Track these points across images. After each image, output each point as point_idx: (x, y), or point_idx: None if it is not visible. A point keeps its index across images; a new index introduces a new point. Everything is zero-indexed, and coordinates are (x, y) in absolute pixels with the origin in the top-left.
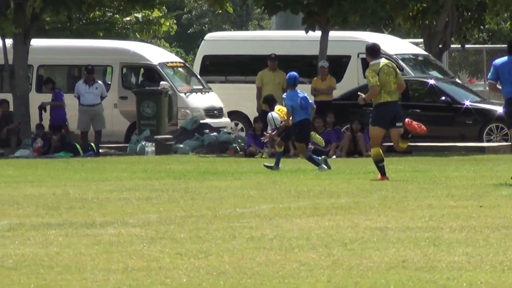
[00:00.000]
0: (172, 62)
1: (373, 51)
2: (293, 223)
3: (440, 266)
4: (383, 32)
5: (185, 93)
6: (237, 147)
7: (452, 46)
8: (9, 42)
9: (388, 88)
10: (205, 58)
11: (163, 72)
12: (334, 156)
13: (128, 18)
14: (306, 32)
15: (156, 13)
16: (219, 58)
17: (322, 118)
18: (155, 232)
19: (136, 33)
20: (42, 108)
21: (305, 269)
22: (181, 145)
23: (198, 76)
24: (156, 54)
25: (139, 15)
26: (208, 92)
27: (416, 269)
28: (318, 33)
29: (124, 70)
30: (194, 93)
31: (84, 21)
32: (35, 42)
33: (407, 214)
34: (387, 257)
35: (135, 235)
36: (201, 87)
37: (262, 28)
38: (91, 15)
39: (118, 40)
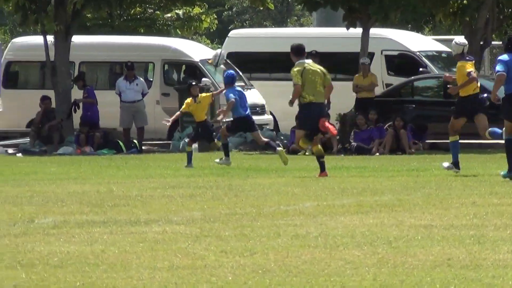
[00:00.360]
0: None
1: (298, 51)
2: (338, 221)
3: (485, 264)
4: (423, 29)
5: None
6: (280, 144)
7: (494, 42)
8: (50, 39)
9: (313, 89)
10: (229, 55)
11: (204, 69)
12: (377, 154)
13: (169, 15)
14: (347, 28)
15: (197, 10)
16: (243, 55)
17: (364, 115)
18: (199, 229)
19: (177, 30)
20: (75, 105)
21: (351, 267)
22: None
23: (240, 73)
24: (197, 51)
25: (180, 12)
26: (250, 89)
27: (461, 267)
28: (336, 30)
29: (166, 66)
30: None
31: (125, 18)
32: (77, 39)
33: (451, 212)
34: (432, 255)
35: (179, 233)
36: (243, 84)
37: (301, 25)
38: (132, 11)
39: (159, 36)
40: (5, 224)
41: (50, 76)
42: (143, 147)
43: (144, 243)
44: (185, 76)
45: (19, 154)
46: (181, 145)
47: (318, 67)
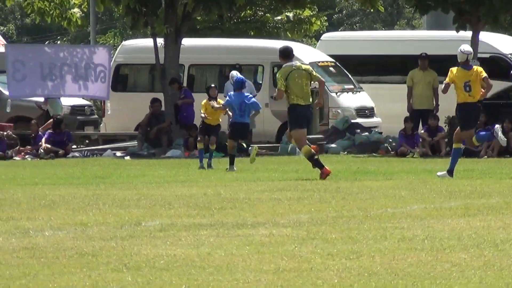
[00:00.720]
0: (323, 62)
1: (285, 53)
2: (445, 224)
3: None
4: None
5: (336, 93)
6: (388, 147)
7: None
8: (160, 41)
9: (300, 91)
10: (337, 57)
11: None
12: (485, 156)
13: (279, 17)
14: (457, 31)
15: (307, 12)
16: (336, 59)
17: None
18: (306, 232)
19: (287, 32)
20: (177, 107)
21: (457, 270)
22: (332, 145)
23: (349, 76)
24: (307, 54)
25: (290, 14)
26: (359, 91)
27: None
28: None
29: (275, 69)
30: (345, 93)
31: (235, 20)
32: (186, 42)
33: None
34: None
35: (286, 236)
36: (352, 86)
37: (413, 27)
38: (242, 14)
39: (269, 39)
40: (112, 227)
41: (160, 79)
42: None
43: (251, 246)
44: None
45: (127, 157)
46: (289, 148)
47: (304, 68)
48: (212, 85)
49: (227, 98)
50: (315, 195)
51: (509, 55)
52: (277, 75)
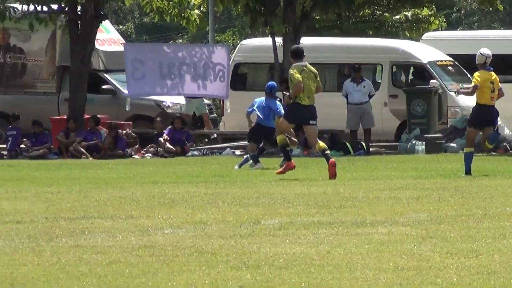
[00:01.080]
0: (442, 61)
1: (297, 53)
2: None
3: None
4: None
5: (455, 92)
6: (507, 146)
7: None
8: (279, 40)
9: (308, 92)
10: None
11: (432, 71)
12: None
13: (397, 17)
14: None
15: (425, 12)
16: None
17: None
18: (425, 231)
19: (406, 32)
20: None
21: None
22: (451, 144)
23: (468, 75)
24: (425, 53)
25: (409, 14)
26: None
27: None
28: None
29: (394, 68)
30: None
31: (353, 20)
32: (305, 41)
33: None
34: None
35: (405, 234)
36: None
37: None
38: (361, 13)
39: (388, 38)
40: (231, 225)
41: (278, 78)
42: (370, 149)
43: (370, 244)
44: (413, 78)
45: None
46: (408, 146)
47: (312, 70)
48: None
49: (254, 104)
50: (434, 193)
51: None
52: (290, 71)
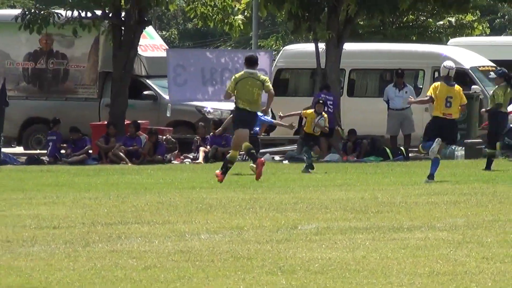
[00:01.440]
0: (484, 66)
1: (249, 61)
2: None
3: None
4: None
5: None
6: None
7: None
8: (322, 46)
9: (249, 97)
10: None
11: (474, 76)
12: None
13: (441, 22)
14: None
15: (469, 17)
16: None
17: None
18: (462, 236)
19: (449, 37)
20: None
21: None
22: None
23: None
24: (468, 58)
25: (453, 19)
26: None
27: None
28: None
29: (436, 74)
30: None
31: (397, 25)
32: (348, 46)
33: None
34: None
35: (441, 239)
36: None
37: None
38: (405, 19)
39: (431, 44)
40: (268, 230)
41: (320, 83)
42: (410, 154)
43: (406, 249)
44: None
45: (286, 161)
46: (447, 152)
47: (260, 78)
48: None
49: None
50: (472, 199)
51: None
52: (232, 77)
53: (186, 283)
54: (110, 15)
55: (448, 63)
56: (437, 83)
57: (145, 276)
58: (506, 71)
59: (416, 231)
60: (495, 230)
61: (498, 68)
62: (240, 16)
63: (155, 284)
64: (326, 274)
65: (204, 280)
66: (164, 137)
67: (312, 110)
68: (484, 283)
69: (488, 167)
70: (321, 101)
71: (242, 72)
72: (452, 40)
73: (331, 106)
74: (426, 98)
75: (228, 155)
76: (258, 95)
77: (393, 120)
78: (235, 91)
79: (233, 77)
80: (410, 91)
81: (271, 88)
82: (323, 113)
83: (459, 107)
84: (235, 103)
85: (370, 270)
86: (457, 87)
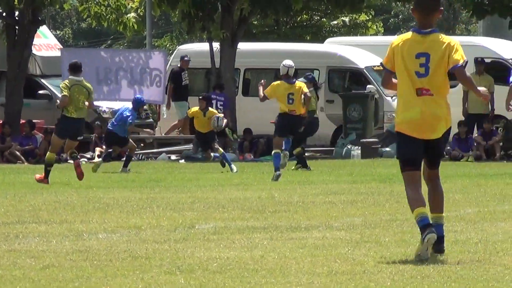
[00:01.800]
0: (379, 66)
1: (73, 68)
2: (498, 227)
3: None
4: None
5: (392, 97)
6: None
7: None
8: (216, 46)
9: (77, 104)
10: None
11: (369, 76)
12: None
13: (335, 22)
14: None
15: (363, 17)
16: None
17: None
18: (359, 235)
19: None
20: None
21: (510, 273)
22: (387, 149)
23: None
24: (362, 58)
25: (346, 19)
26: None
27: None
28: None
29: (331, 73)
30: None
31: (291, 25)
32: (242, 46)
33: None
34: None
35: (339, 239)
36: None
37: (469, 32)
38: (299, 18)
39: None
40: (165, 230)
41: (215, 83)
42: (306, 154)
43: (304, 249)
44: (350, 83)
45: (182, 161)
46: (344, 151)
47: (86, 86)
48: (200, 97)
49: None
50: (369, 198)
51: (510, 60)
52: (61, 85)
53: (85, 282)
54: (4, 14)
55: (287, 62)
56: (277, 82)
57: (43, 275)
58: (315, 76)
59: (313, 230)
60: (393, 229)
61: (308, 73)
62: (133, 14)
63: (54, 283)
64: (225, 274)
65: (102, 279)
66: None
67: (197, 108)
68: (383, 283)
69: (304, 165)
70: (200, 97)
71: (70, 79)
72: (328, 40)
73: (221, 107)
74: (260, 97)
75: (47, 159)
76: (83, 103)
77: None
78: None
79: (63, 84)
80: None
81: (93, 98)
82: (215, 111)
83: (302, 103)
84: (63, 110)
85: (268, 270)
86: (297, 83)
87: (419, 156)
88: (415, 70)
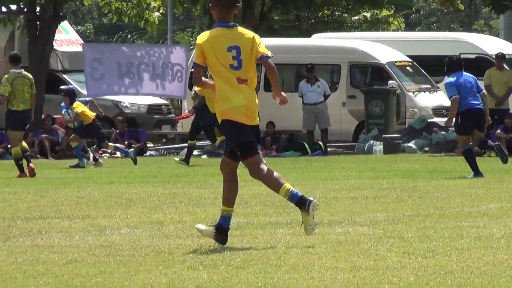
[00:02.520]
0: (400, 61)
1: (14, 59)
2: None
3: None
4: None
5: (413, 92)
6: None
7: None
8: None
9: (21, 98)
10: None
11: (391, 71)
12: None
13: (356, 17)
14: None
15: (384, 12)
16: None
17: None
18: (382, 231)
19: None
20: None
21: None
22: (409, 144)
23: (427, 75)
24: (384, 53)
25: (368, 14)
26: (436, 91)
27: None
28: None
29: (352, 69)
30: (422, 92)
31: (312, 21)
32: (263, 41)
33: None
34: None
35: (362, 234)
36: (429, 86)
37: (490, 28)
38: (320, 14)
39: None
40: (188, 225)
41: None
42: (328, 149)
43: (327, 244)
44: (371, 78)
45: (204, 156)
46: (366, 147)
47: (28, 77)
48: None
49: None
50: (392, 193)
51: (494, 56)
52: (2, 80)
53: (108, 277)
54: (25, 10)
55: None
56: None
57: (66, 270)
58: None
59: (336, 226)
60: (416, 224)
61: None
62: (156, 13)
63: (77, 278)
64: (248, 269)
65: (125, 274)
66: None
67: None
68: (406, 278)
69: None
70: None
71: (12, 72)
72: (315, 35)
73: None
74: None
75: (13, 154)
76: (28, 93)
77: (308, 115)
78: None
79: (4, 79)
80: (322, 86)
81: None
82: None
83: None
84: (8, 105)
85: (291, 265)
86: None
87: (255, 141)
88: (229, 63)
